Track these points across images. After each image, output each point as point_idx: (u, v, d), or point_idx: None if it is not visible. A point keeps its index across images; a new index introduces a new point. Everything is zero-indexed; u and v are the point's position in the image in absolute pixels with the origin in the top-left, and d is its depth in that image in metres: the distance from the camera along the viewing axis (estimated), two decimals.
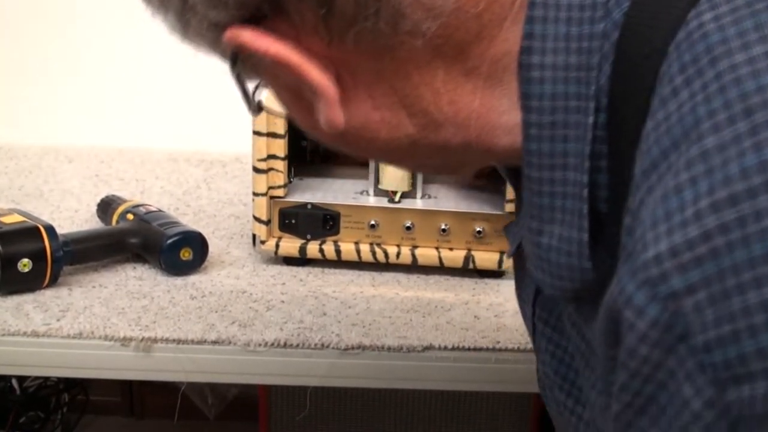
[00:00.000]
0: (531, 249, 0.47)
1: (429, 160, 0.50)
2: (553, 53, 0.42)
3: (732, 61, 0.35)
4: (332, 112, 0.44)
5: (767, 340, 0.32)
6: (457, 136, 0.46)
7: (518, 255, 0.59)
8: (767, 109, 0.34)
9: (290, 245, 1.05)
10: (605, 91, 0.41)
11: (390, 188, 1.05)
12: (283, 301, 0.97)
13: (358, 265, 1.06)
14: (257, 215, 1.04)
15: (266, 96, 0.53)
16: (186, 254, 1.01)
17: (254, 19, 0.43)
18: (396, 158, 0.51)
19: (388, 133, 0.46)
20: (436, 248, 1.04)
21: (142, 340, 0.87)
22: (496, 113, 0.45)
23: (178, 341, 0.88)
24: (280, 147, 1.01)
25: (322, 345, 0.88)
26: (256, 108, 0.52)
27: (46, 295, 0.94)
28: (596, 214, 0.43)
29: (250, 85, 0.50)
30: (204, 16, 0.43)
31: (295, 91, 0.46)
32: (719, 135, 0.34)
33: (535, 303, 0.56)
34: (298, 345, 0.88)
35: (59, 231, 0.96)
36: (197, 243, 1.02)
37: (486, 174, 1.12)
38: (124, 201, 1.14)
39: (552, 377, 0.55)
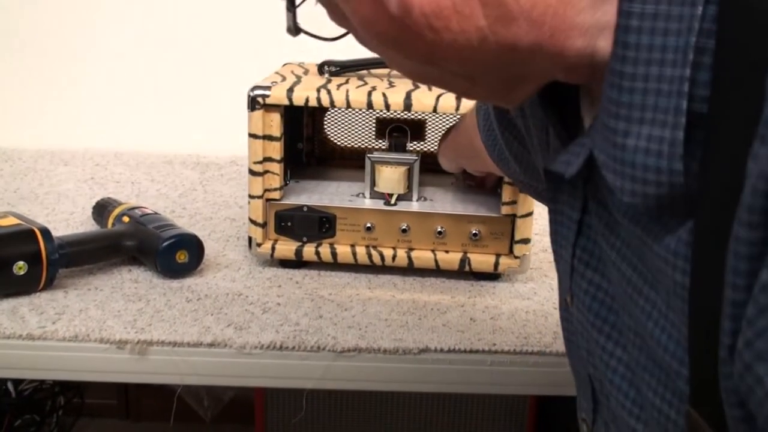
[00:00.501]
0: (612, 154, 0.44)
1: (490, 72, 0.48)
2: None
3: None
4: None
5: None
6: (530, 34, 0.43)
7: (554, 197, 0.58)
8: None
9: (286, 248, 1.05)
10: None
11: (386, 191, 1.05)
12: (279, 304, 0.97)
13: (354, 267, 1.06)
14: (253, 218, 1.04)
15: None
16: (182, 257, 1.01)
17: None
18: (459, 60, 0.47)
19: (458, 24, 0.43)
20: (432, 251, 1.04)
21: (138, 342, 0.87)
22: (574, 10, 0.43)
23: (174, 344, 0.88)
24: (275, 149, 1.01)
25: (318, 347, 0.88)
26: (295, 28, 0.49)
27: (42, 298, 0.94)
28: (690, 115, 0.41)
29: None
30: None
31: None
32: None
33: (575, 245, 0.55)
34: (294, 347, 0.88)
35: (55, 234, 0.96)
36: (193, 246, 1.02)
37: (480, 180, 1.13)
38: (119, 204, 1.14)
39: (590, 319, 0.54)
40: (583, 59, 0.44)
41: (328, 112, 1.26)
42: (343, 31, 0.50)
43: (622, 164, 0.44)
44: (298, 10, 0.50)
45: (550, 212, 0.60)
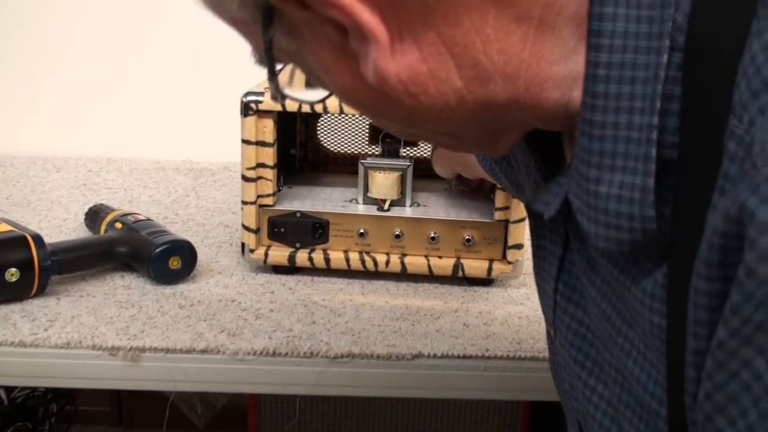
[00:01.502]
0: (585, 200, 0.45)
1: (471, 129, 0.48)
2: None
3: None
4: (383, 60, 0.42)
5: None
6: (506, 90, 0.44)
7: (537, 232, 0.58)
8: None
9: (279, 254, 1.05)
10: (683, 29, 0.40)
11: (379, 196, 1.05)
12: (272, 310, 0.97)
13: (348, 273, 1.06)
14: (246, 224, 1.04)
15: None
16: (175, 263, 1.01)
17: None
18: (440, 121, 0.47)
19: (435, 88, 0.44)
20: (425, 256, 1.04)
21: (131, 349, 0.87)
22: (547, 63, 0.43)
23: (167, 350, 0.87)
24: (269, 155, 1.01)
25: (311, 353, 0.88)
26: (280, 94, 0.49)
27: (34, 305, 0.94)
28: (660, 161, 0.42)
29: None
30: None
31: (337, 47, 0.44)
32: None
33: (557, 279, 0.55)
34: (287, 353, 0.88)
35: (47, 240, 0.96)
36: (186, 252, 1.02)
37: (475, 185, 1.13)
38: (112, 210, 1.14)
39: (573, 354, 0.54)
40: (560, 109, 0.44)
41: (321, 118, 1.26)
42: (326, 93, 0.51)
43: (596, 211, 0.44)
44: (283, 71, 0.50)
45: (533, 246, 0.60)
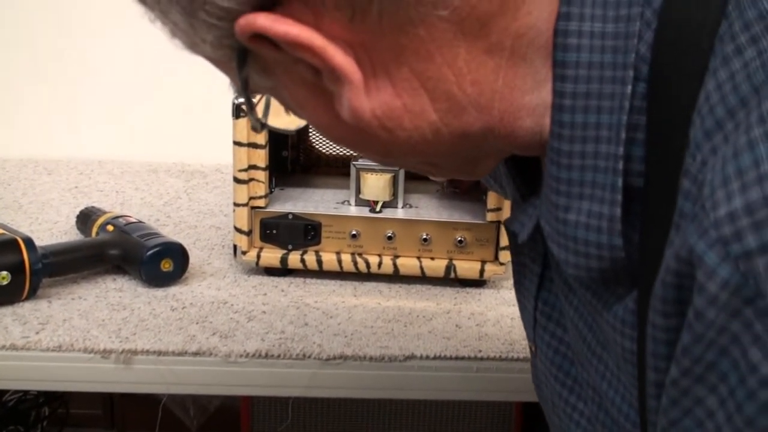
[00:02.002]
0: (555, 227, 0.45)
1: (448, 158, 0.48)
2: (590, 20, 0.41)
3: None
4: (357, 99, 0.42)
5: None
6: (480, 120, 0.44)
7: (517, 250, 0.58)
8: None
9: (271, 255, 1.05)
10: (647, 59, 0.40)
11: (371, 198, 1.05)
12: (264, 312, 0.97)
13: (340, 275, 1.06)
14: (238, 226, 1.04)
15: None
16: (166, 265, 1.01)
17: (268, 5, 0.40)
18: (416, 153, 0.48)
19: (410, 122, 0.44)
20: (418, 258, 1.04)
21: (123, 352, 0.87)
22: (520, 92, 0.43)
23: (159, 353, 0.87)
24: (260, 157, 1.01)
25: (304, 355, 0.88)
26: (260, 125, 0.49)
27: (25, 308, 0.94)
28: (627, 189, 0.42)
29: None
30: (214, 5, 0.40)
31: (312, 85, 0.44)
32: None
33: (537, 297, 0.56)
34: (279, 356, 0.88)
35: (38, 243, 0.96)
36: (178, 254, 1.02)
37: (466, 186, 1.13)
38: (103, 212, 1.14)
39: (553, 372, 0.54)
40: (534, 137, 0.44)
41: None
42: (304, 122, 0.51)
43: (565, 238, 0.44)
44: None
45: (513, 262, 0.60)
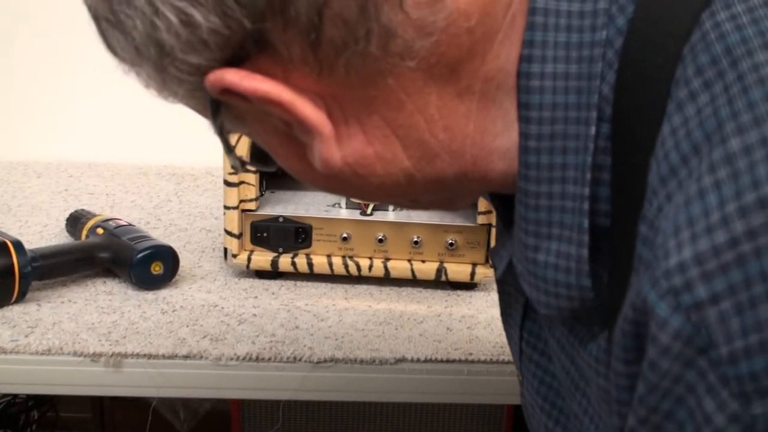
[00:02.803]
0: (525, 267, 0.45)
1: (424, 196, 0.49)
2: (553, 62, 0.41)
3: (754, 61, 0.35)
4: (328, 150, 0.42)
5: None
6: (454, 166, 0.44)
7: (502, 279, 0.58)
8: None
9: (262, 258, 1.04)
10: (609, 100, 0.40)
11: (362, 200, 1.05)
12: (255, 315, 0.96)
13: (331, 278, 1.06)
14: (229, 228, 1.04)
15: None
16: (157, 268, 1.00)
17: (237, 60, 0.40)
18: (391, 196, 0.48)
19: (383, 168, 0.44)
20: (409, 260, 1.04)
21: (113, 355, 0.86)
22: (491, 136, 0.43)
23: (149, 356, 0.87)
24: None
25: (295, 358, 0.88)
26: (240, 164, 0.49)
27: (14, 311, 0.93)
28: (595, 229, 0.42)
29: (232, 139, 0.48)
30: (183, 61, 0.41)
31: (284, 134, 0.44)
32: (744, 137, 0.33)
33: (522, 327, 0.55)
34: (270, 359, 0.88)
35: (28, 246, 0.95)
36: (168, 257, 1.02)
37: None
38: (93, 215, 1.13)
39: (539, 402, 0.54)
40: (507, 178, 0.44)
41: None
42: None
43: (536, 278, 0.45)
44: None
45: (499, 291, 0.60)
